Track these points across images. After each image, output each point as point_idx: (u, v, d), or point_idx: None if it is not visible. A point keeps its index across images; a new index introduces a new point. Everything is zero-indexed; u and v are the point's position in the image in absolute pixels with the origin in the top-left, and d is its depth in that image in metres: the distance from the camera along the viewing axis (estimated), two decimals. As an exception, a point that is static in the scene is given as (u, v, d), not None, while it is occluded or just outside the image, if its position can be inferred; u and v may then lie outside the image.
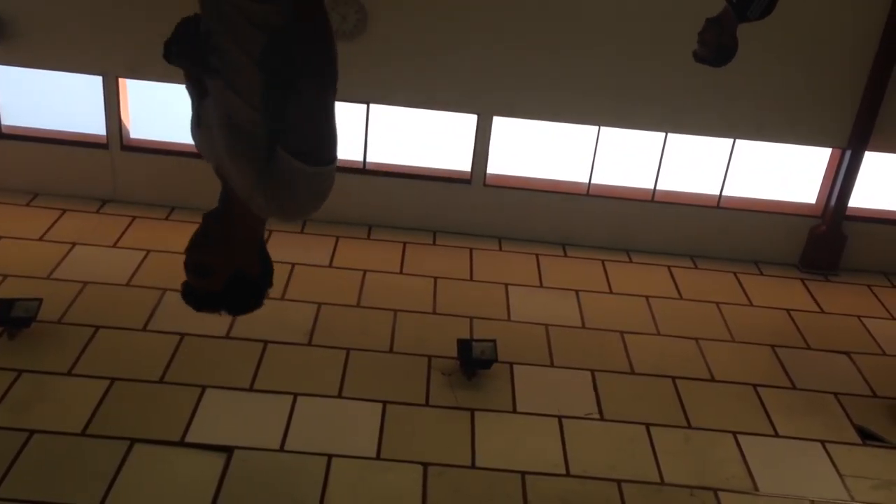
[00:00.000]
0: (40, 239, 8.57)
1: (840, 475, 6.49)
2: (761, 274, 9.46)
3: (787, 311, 8.75)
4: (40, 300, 7.13)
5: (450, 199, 9.48)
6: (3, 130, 9.29)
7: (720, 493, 6.18)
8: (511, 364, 7.32)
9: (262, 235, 2.20)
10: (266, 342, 7.27)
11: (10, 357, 6.78)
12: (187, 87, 2.08)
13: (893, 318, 8.79)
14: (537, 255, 9.30)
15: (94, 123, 9.25)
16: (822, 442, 6.85)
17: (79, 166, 9.33)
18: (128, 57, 8.79)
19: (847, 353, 8.09)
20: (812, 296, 9.13)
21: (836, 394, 7.46)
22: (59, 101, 9.58)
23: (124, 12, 8.60)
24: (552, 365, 7.46)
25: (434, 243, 9.37)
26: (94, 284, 7.80)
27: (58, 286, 7.72)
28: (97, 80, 8.98)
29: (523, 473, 6.17)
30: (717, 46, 4.46)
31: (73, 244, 8.54)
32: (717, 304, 8.72)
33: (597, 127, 9.17)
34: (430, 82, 8.94)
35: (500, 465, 6.22)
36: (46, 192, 9.35)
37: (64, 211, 9.12)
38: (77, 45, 8.78)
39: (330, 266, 8.70)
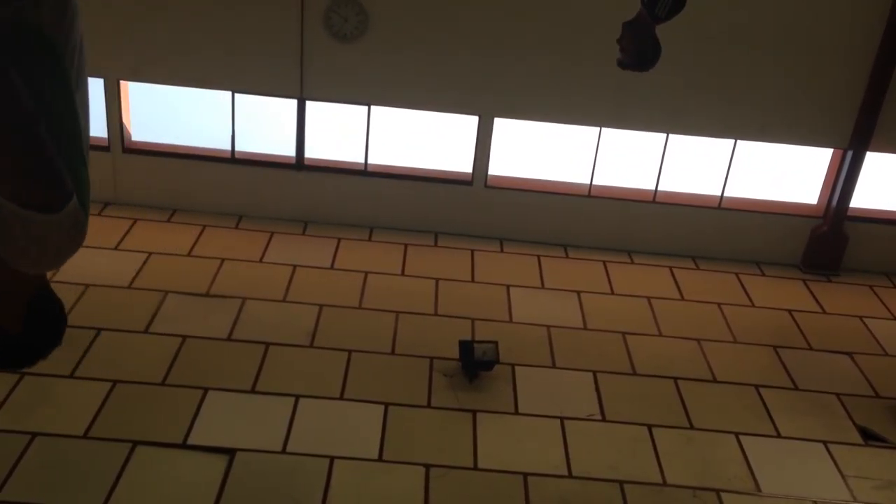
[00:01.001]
0: (42, 241, 8.56)
1: (842, 475, 6.48)
2: (763, 274, 9.45)
3: (789, 311, 8.74)
4: (42, 303, 7.12)
5: (451, 201, 9.48)
6: (5, 133, 9.30)
7: (723, 494, 6.17)
8: (513, 365, 7.31)
9: (36, 289, 1.99)
10: (268, 344, 7.28)
11: (12, 360, 6.77)
12: None
13: (895, 319, 8.78)
14: (539, 257, 9.30)
15: (95, 126, 9.23)
16: (825, 442, 6.84)
17: (80, 169, 9.32)
18: (129, 59, 8.81)
19: (849, 354, 8.08)
20: (814, 296, 9.12)
21: (838, 394, 7.45)
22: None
23: (125, 15, 8.62)
24: (554, 366, 7.46)
25: (435, 245, 9.37)
26: (95, 287, 7.80)
27: (59, 289, 7.57)
28: (98, 83, 8.97)
29: (525, 475, 6.16)
30: (635, 51, 4.40)
31: (75, 247, 8.53)
32: (719, 304, 8.72)
33: (598, 128, 9.17)
34: (431, 84, 8.94)
35: (502, 466, 6.22)
36: (48, 194, 9.34)
37: (65, 213, 9.11)
38: (78, 47, 8.77)
39: (331, 268, 8.70)
